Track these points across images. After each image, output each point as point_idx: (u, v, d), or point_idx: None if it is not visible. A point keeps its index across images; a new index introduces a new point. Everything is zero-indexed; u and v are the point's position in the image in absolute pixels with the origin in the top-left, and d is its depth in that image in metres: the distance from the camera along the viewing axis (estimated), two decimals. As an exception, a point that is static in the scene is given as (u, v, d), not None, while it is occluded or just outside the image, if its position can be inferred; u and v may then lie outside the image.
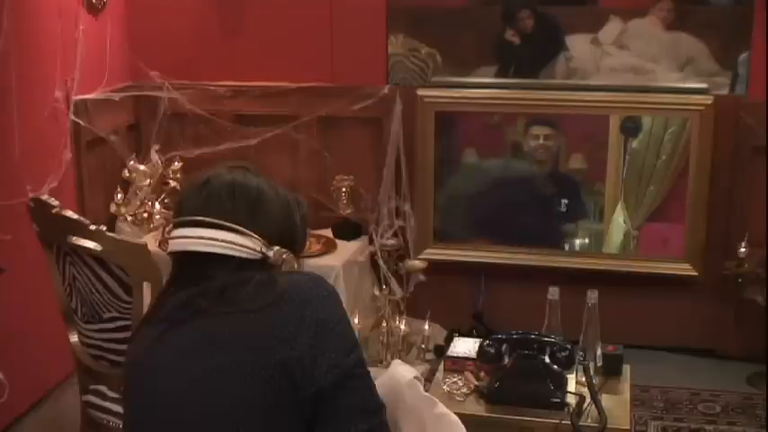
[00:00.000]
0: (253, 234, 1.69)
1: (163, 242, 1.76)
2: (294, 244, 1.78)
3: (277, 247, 1.71)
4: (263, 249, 1.69)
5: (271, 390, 1.59)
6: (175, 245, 1.71)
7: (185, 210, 1.72)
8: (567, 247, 4.06)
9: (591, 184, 4.01)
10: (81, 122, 3.80)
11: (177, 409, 1.63)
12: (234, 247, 1.68)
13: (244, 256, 1.68)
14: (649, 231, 4.00)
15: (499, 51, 4.09)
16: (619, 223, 4.01)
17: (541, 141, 4.01)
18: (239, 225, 1.68)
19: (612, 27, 3.96)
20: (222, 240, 1.68)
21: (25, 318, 3.43)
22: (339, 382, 1.60)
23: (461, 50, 4.11)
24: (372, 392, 1.67)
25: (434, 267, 4.06)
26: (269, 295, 1.64)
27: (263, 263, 1.70)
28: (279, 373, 1.58)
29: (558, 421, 2.51)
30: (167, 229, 1.76)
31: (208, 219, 1.68)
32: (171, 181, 4.10)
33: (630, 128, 3.92)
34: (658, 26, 3.90)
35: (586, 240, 4.05)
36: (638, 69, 3.95)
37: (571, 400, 2.57)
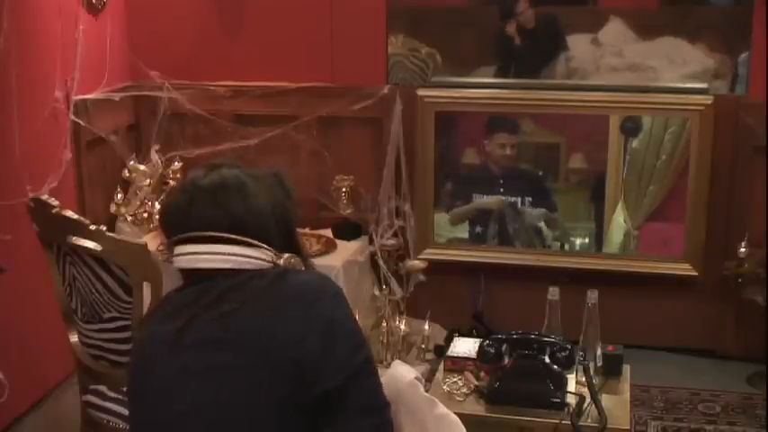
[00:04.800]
0: (262, 245, 1.70)
1: (163, 255, 1.77)
2: (291, 235, 1.78)
3: (286, 255, 1.72)
4: (274, 259, 1.71)
5: (281, 388, 1.60)
6: (185, 261, 1.72)
7: (176, 223, 1.73)
8: (567, 247, 4.06)
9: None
10: (81, 122, 3.79)
11: (192, 408, 1.63)
12: (248, 261, 1.69)
13: (256, 267, 1.69)
14: (649, 231, 4.00)
15: (499, 50, 4.09)
16: (619, 223, 4.01)
17: (507, 152, 4.02)
18: (241, 232, 1.69)
19: (614, 28, 3.96)
20: (235, 255, 1.69)
21: (25, 318, 3.42)
22: (347, 380, 1.62)
23: (461, 50, 4.11)
24: (379, 390, 1.69)
25: (434, 267, 4.06)
26: (277, 296, 1.65)
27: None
28: (289, 372, 1.60)
29: (558, 421, 2.51)
30: (161, 246, 1.76)
31: (217, 234, 1.68)
32: (171, 181, 4.10)
33: (630, 128, 3.92)
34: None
35: (586, 240, 4.05)
36: (638, 69, 3.95)
37: (571, 400, 2.57)
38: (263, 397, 1.61)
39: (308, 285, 1.69)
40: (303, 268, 1.75)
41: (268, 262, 1.71)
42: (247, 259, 1.69)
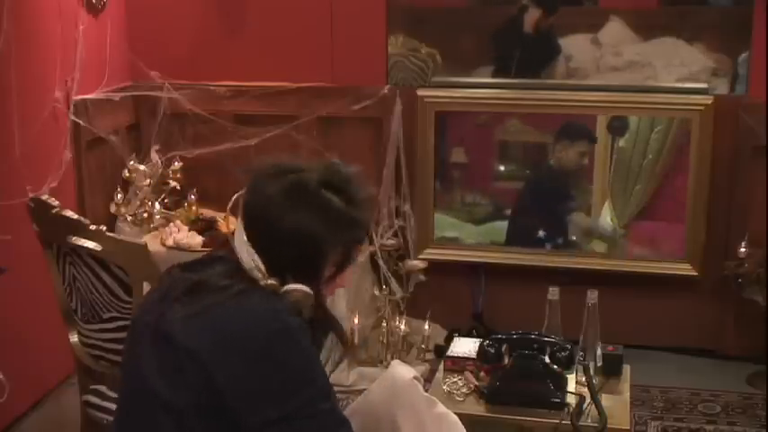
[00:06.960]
0: (252, 251, 1.69)
1: None
2: (312, 275, 1.70)
3: (270, 281, 1.66)
4: (259, 277, 1.68)
5: (203, 406, 1.59)
6: None
7: None
8: (566, 247, 4.06)
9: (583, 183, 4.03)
10: (81, 122, 3.79)
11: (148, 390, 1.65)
12: (237, 253, 1.70)
13: (243, 266, 1.69)
14: (650, 231, 4.00)
15: (499, 51, 4.09)
16: (606, 221, 4.02)
17: (585, 161, 3.99)
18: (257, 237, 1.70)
19: (614, 28, 3.96)
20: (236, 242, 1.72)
21: (25, 318, 3.43)
22: (281, 420, 1.56)
23: (461, 50, 4.12)
24: None
25: (434, 267, 4.06)
26: (224, 315, 1.62)
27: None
28: (210, 393, 1.58)
29: (558, 421, 2.51)
30: None
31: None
32: (171, 181, 4.10)
33: (617, 127, 3.92)
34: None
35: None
36: (637, 69, 3.95)
37: (571, 400, 2.57)
38: (185, 405, 1.59)
39: (254, 315, 1.62)
40: (303, 304, 1.66)
41: (253, 269, 1.68)
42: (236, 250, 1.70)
